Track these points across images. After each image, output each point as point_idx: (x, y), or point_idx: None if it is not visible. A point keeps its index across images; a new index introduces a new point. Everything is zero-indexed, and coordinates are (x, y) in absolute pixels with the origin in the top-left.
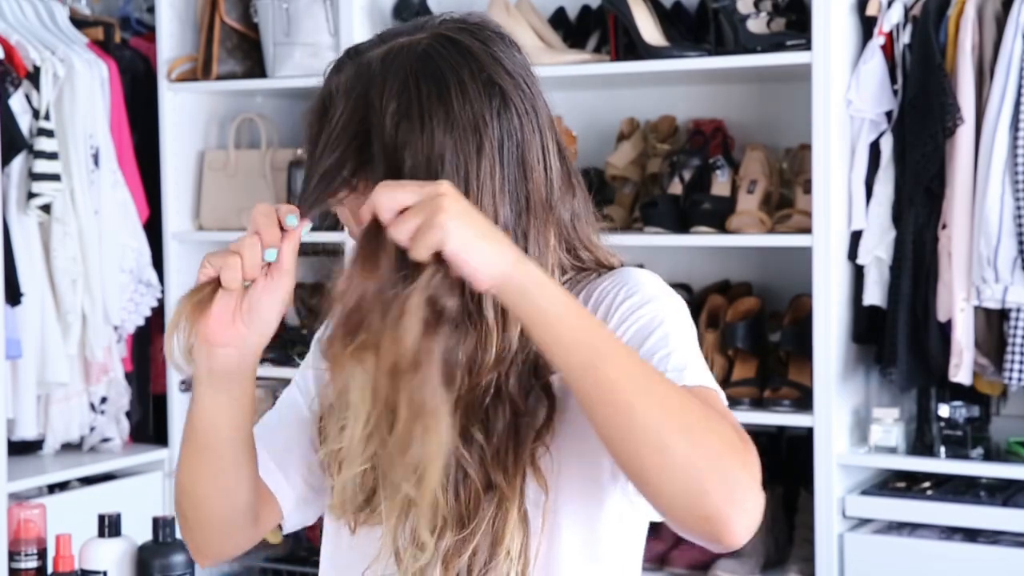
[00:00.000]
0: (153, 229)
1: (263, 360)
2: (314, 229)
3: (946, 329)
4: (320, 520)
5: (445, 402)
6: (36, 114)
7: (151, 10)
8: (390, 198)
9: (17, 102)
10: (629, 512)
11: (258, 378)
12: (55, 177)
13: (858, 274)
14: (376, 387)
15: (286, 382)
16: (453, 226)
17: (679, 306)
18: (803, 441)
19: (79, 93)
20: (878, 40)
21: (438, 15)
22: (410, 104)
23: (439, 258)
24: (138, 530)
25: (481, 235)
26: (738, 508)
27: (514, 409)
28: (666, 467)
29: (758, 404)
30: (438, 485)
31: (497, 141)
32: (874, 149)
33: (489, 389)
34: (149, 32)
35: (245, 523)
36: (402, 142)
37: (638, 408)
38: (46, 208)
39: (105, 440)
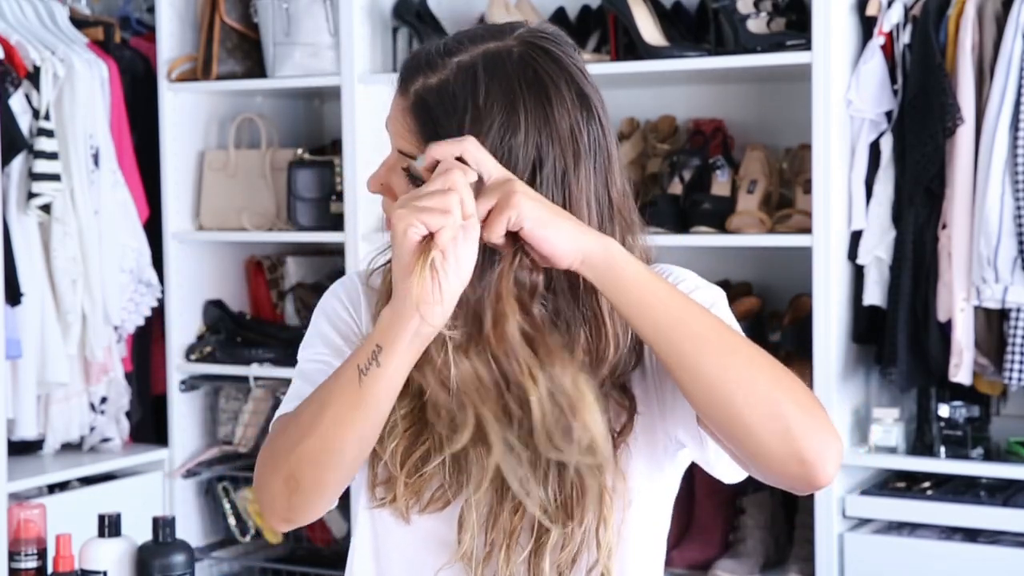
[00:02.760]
0: (153, 229)
1: (263, 361)
2: (314, 229)
3: (946, 329)
4: (320, 519)
5: (579, 374)
6: (36, 114)
7: (151, 10)
8: (480, 158)
9: (17, 102)
10: (671, 488)
11: (257, 378)
12: (55, 177)
13: (858, 274)
14: (483, 377)
15: (286, 382)
16: (527, 205)
17: (722, 294)
18: None
19: (79, 93)
20: (878, 40)
21: (512, 23)
22: (514, 110)
23: (515, 244)
24: (138, 530)
25: (556, 213)
26: (830, 448)
27: (606, 407)
28: (762, 413)
29: None
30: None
31: (589, 149)
32: (874, 149)
33: (603, 383)
34: (149, 32)
35: (342, 490)
36: (506, 146)
37: (730, 360)
38: (46, 208)
39: (105, 440)
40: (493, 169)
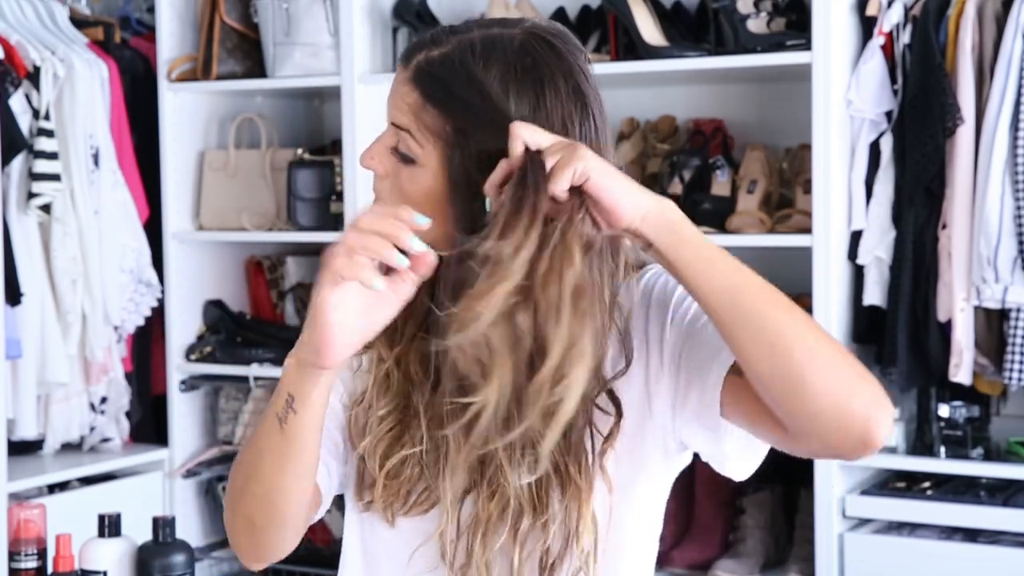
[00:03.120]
0: (153, 229)
1: (263, 361)
2: (314, 229)
3: (946, 329)
4: (320, 519)
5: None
6: (36, 114)
7: (151, 10)
8: (531, 132)
9: (17, 102)
10: (667, 488)
11: (257, 378)
12: (55, 177)
13: (858, 274)
14: (521, 329)
15: None
16: (594, 161)
17: None
18: None
19: (79, 93)
20: (878, 40)
21: (523, 19)
22: (508, 90)
23: (578, 197)
24: (138, 530)
25: (619, 173)
26: (883, 410)
27: (585, 407)
28: (819, 372)
29: None
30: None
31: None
32: (874, 149)
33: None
34: (149, 32)
35: (306, 516)
36: (498, 121)
37: (787, 320)
38: (46, 208)
39: (105, 440)
40: (551, 139)
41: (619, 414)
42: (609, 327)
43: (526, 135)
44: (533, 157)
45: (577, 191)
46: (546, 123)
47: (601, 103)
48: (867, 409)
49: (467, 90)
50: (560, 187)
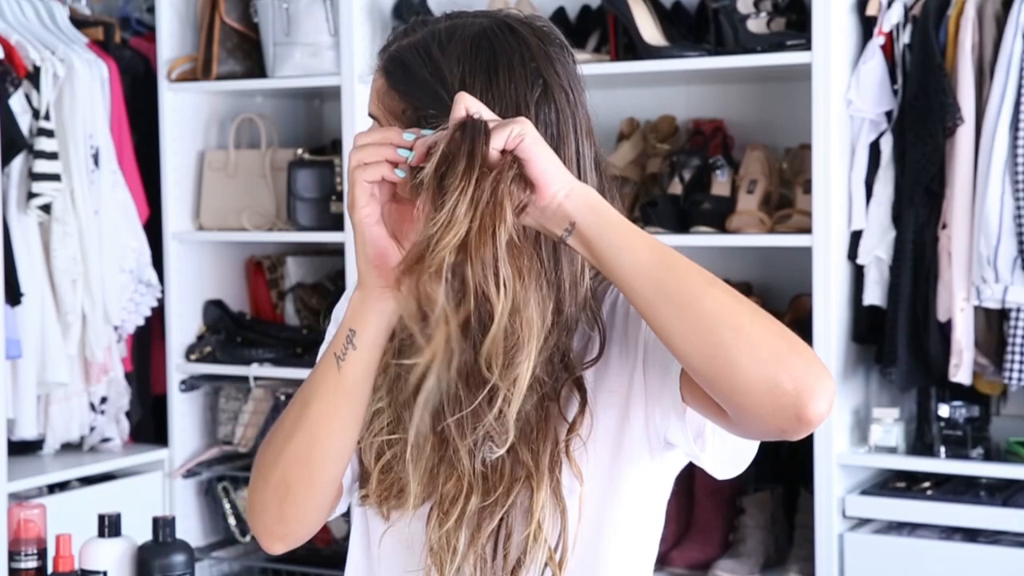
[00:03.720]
0: (153, 229)
1: (263, 361)
2: (314, 229)
3: (946, 329)
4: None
5: (542, 309)
6: (36, 114)
7: (151, 10)
8: (474, 101)
9: (17, 102)
10: (663, 488)
11: (257, 378)
12: (55, 177)
13: (858, 274)
14: (466, 283)
15: (286, 382)
16: (532, 129)
17: None
18: (803, 441)
19: (79, 93)
20: (878, 40)
21: (506, 8)
22: (464, 74)
23: (511, 158)
24: (138, 530)
25: (552, 153)
26: (819, 381)
27: (544, 392)
28: (745, 348)
29: None
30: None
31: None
32: (874, 149)
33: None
34: (149, 32)
35: (336, 492)
36: (449, 101)
37: (710, 296)
38: (46, 208)
39: (105, 440)
40: (493, 116)
41: (583, 402)
42: (578, 317)
43: (468, 101)
44: (473, 121)
45: (510, 155)
46: (498, 103)
47: (573, 93)
48: (798, 383)
49: (424, 73)
50: (495, 144)
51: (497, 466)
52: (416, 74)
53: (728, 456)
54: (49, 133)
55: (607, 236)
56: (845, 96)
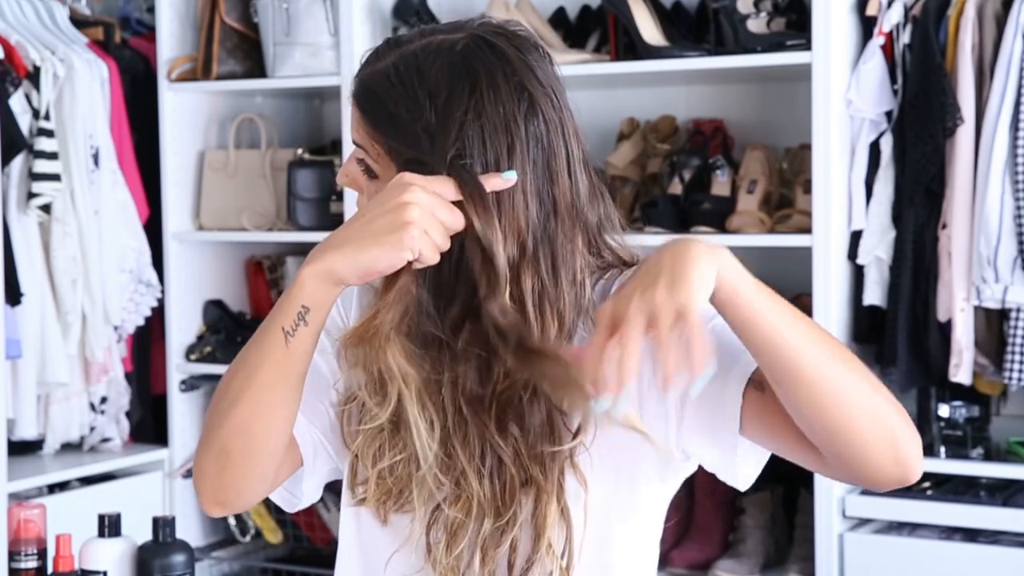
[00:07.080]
0: (153, 229)
1: None
2: (314, 229)
3: (946, 329)
4: (320, 519)
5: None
6: (36, 114)
7: (151, 10)
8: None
9: (17, 102)
10: (665, 497)
11: None
12: (55, 177)
13: (858, 274)
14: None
15: None
16: (668, 300)
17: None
18: None
19: (79, 93)
20: (878, 40)
21: (476, 18)
22: (447, 99)
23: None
24: (138, 530)
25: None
26: (918, 445)
27: (548, 406)
28: (868, 422)
29: None
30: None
31: (525, 144)
32: (874, 149)
33: (527, 386)
34: (149, 32)
35: (278, 464)
36: (437, 133)
37: (841, 374)
38: (46, 208)
39: (105, 440)
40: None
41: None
42: (578, 324)
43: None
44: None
45: None
46: (486, 126)
47: (557, 99)
48: (907, 451)
49: (397, 104)
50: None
51: (505, 485)
52: (388, 106)
53: (752, 469)
54: (49, 133)
55: (756, 314)
56: (845, 96)
